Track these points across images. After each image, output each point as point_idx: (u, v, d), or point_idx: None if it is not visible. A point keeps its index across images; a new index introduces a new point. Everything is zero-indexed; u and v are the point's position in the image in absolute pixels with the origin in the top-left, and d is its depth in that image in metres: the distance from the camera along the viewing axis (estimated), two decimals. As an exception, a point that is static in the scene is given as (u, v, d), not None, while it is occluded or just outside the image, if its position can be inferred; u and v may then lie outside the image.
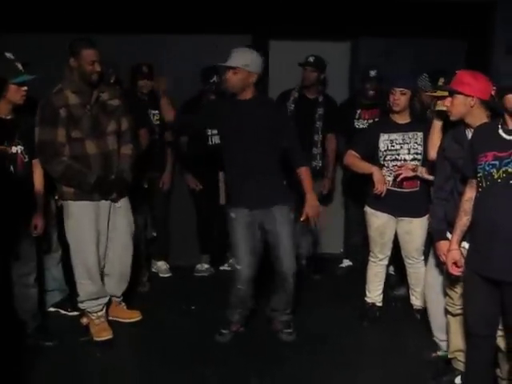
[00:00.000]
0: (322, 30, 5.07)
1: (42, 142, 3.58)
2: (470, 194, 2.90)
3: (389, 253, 4.18)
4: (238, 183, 3.73)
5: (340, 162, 5.11)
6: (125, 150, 3.86)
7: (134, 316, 4.14)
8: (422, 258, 4.00)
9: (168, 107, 3.95)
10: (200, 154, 4.77)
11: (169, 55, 5.04)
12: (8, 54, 3.43)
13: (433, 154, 3.46)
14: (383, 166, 3.97)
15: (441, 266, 3.33)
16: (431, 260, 3.48)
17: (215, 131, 4.42)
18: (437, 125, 3.40)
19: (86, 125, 3.64)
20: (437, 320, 3.55)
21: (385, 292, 4.33)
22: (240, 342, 3.90)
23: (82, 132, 3.63)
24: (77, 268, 3.81)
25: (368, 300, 4.28)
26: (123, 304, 4.18)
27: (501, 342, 3.00)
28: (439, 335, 3.57)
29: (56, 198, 4.04)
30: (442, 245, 3.12)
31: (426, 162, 3.72)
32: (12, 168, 3.48)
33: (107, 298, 3.97)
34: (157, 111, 4.78)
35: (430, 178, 3.62)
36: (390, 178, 3.95)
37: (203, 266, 5.18)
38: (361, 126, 4.81)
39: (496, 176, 2.71)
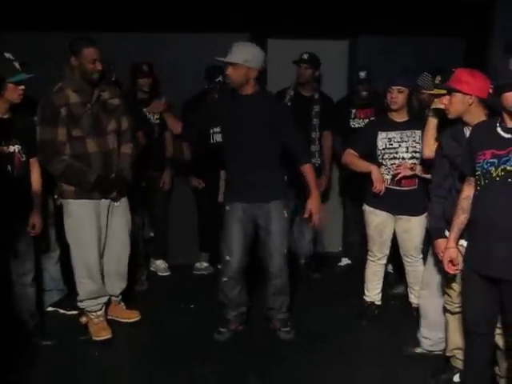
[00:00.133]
0: (320, 28, 5.08)
1: (43, 140, 3.59)
2: (467, 191, 2.90)
3: (387, 251, 4.18)
4: (236, 177, 3.74)
5: (336, 161, 5.13)
6: (125, 149, 3.86)
7: (133, 316, 4.14)
8: (421, 256, 4.00)
9: (174, 121, 3.97)
10: (202, 152, 4.77)
11: (168, 54, 5.04)
12: (7, 55, 3.43)
13: (427, 152, 3.47)
14: (381, 164, 3.97)
15: (439, 264, 3.34)
16: (430, 258, 3.48)
17: (217, 129, 4.41)
18: (431, 123, 3.41)
19: (87, 123, 3.64)
20: (426, 317, 3.57)
21: (383, 290, 4.33)
22: (238, 341, 3.90)
23: (82, 131, 3.63)
24: (77, 267, 3.81)
25: (367, 298, 4.28)
26: (122, 304, 4.18)
27: (499, 340, 3.00)
28: (425, 332, 3.59)
29: (55, 197, 4.04)
30: (440, 243, 3.12)
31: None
32: (9, 167, 3.48)
33: (107, 298, 3.97)
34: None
35: (428, 176, 3.63)
36: (389, 177, 3.95)
37: (202, 265, 5.18)
38: (356, 126, 4.83)
39: (494, 174, 2.71)
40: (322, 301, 4.54)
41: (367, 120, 4.75)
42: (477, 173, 2.79)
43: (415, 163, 3.87)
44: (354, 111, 4.86)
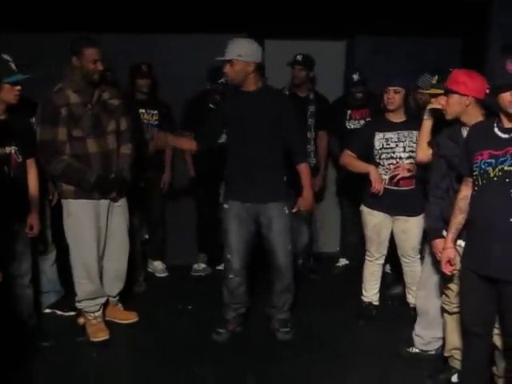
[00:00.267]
0: (317, 28, 5.07)
1: (43, 140, 3.59)
2: (465, 192, 2.90)
3: (385, 252, 4.18)
4: (236, 176, 3.73)
5: (333, 161, 5.14)
6: (124, 149, 3.87)
7: (131, 317, 4.14)
8: (419, 256, 4.00)
9: (185, 142, 4.01)
10: (204, 152, 4.75)
11: (167, 54, 5.03)
12: (4, 56, 3.42)
13: (420, 156, 3.48)
14: (379, 164, 3.97)
15: (436, 264, 3.34)
16: (427, 258, 3.49)
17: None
18: (426, 125, 3.41)
19: (87, 124, 3.65)
20: (421, 316, 3.57)
21: (381, 291, 4.33)
22: (237, 341, 3.90)
23: (82, 131, 3.64)
24: (75, 267, 3.81)
25: (364, 299, 4.28)
26: (120, 305, 4.18)
27: (497, 340, 3.00)
28: (418, 330, 3.60)
29: (50, 197, 4.04)
30: (438, 243, 3.13)
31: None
32: (6, 168, 3.47)
33: (105, 299, 3.97)
34: (156, 111, 4.80)
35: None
36: (386, 177, 3.96)
37: (200, 266, 5.17)
38: (352, 127, 4.84)
39: (492, 174, 2.71)
40: (320, 301, 4.54)
41: (363, 121, 4.76)
42: (474, 173, 2.79)
43: (412, 163, 3.87)
44: (349, 112, 4.86)
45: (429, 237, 3.30)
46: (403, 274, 4.17)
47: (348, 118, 4.87)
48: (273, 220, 3.71)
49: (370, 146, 3.98)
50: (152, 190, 4.90)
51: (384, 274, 4.38)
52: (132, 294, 4.48)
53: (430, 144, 3.39)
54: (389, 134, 3.94)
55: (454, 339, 3.26)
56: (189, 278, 5.09)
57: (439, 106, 3.22)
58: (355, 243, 4.99)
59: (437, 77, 3.44)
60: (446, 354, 3.38)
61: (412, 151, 3.88)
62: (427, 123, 3.41)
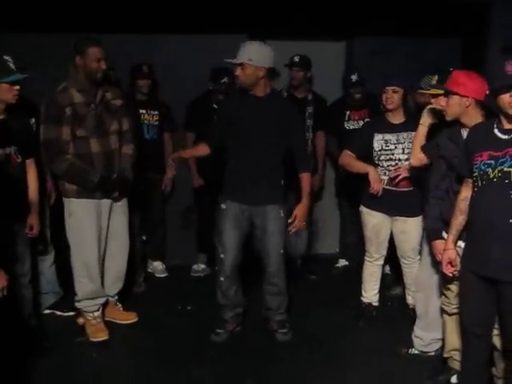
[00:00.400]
0: (317, 29, 5.08)
1: (47, 139, 3.60)
2: (465, 193, 2.90)
3: (384, 252, 4.18)
4: (235, 177, 3.73)
5: (331, 161, 5.14)
6: (126, 149, 3.88)
7: (130, 318, 4.14)
8: (418, 257, 3.99)
9: (196, 150, 3.99)
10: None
11: (167, 55, 5.03)
12: (6, 57, 3.42)
13: (413, 162, 3.48)
14: (378, 165, 3.97)
15: (434, 265, 3.34)
16: (424, 259, 3.49)
17: None
18: (421, 130, 3.41)
19: (91, 124, 3.66)
20: (420, 317, 3.58)
21: (381, 292, 4.33)
22: (235, 342, 3.90)
23: (86, 131, 3.65)
24: (76, 266, 3.81)
25: (364, 300, 4.28)
26: (119, 305, 4.18)
27: (497, 341, 3.00)
28: (417, 332, 3.61)
29: (48, 200, 4.04)
30: (438, 244, 3.12)
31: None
32: (5, 169, 3.46)
33: (104, 299, 3.97)
34: (156, 112, 4.80)
35: None
36: (385, 178, 3.96)
37: (200, 266, 5.17)
38: (351, 127, 4.84)
39: (492, 175, 2.71)
40: (320, 302, 4.54)
41: (362, 122, 4.76)
42: (474, 174, 2.79)
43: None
44: (348, 113, 4.87)
45: (428, 238, 3.30)
46: (403, 275, 4.17)
47: (347, 118, 4.87)
48: (268, 222, 3.71)
49: (369, 146, 3.99)
50: (153, 190, 4.89)
51: (384, 275, 4.39)
52: (131, 294, 4.49)
53: (422, 149, 3.39)
54: (388, 136, 3.94)
55: (454, 340, 3.25)
56: (188, 278, 5.09)
57: (439, 107, 3.22)
58: (354, 244, 4.99)
59: (436, 77, 3.44)
60: (445, 355, 3.38)
61: (411, 153, 3.88)
62: (422, 128, 3.41)
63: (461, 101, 2.99)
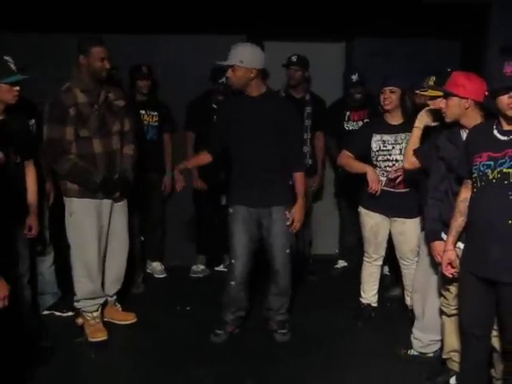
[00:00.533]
0: (317, 30, 5.08)
1: (51, 139, 3.60)
2: (465, 194, 2.90)
3: (383, 253, 4.18)
4: (239, 180, 3.74)
5: (330, 161, 5.14)
6: (127, 150, 3.89)
7: (129, 318, 4.14)
8: (417, 258, 3.99)
9: (201, 159, 3.90)
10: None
11: (167, 55, 5.04)
12: (6, 58, 3.42)
13: (406, 165, 3.48)
14: (376, 166, 3.98)
15: (431, 266, 3.34)
16: (422, 260, 3.49)
17: None
18: (415, 133, 3.41)
19: (94, 124, 3.67)
20: (418, 319, 3.58)
21: (380, 293, 4.33)
22: (235, 343, 3.90)
23: (89, 131, 3.65)
24: (76, 266, 3.81)
25: (363, 300, 4.28)
26: (118, 305, 4.18)
27: (495, 343, 3.00)
28: (416, 333, 3.60)
29: (47, 201, 4.04)
30: (437, 245, 3.12)
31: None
32: (4, 169, 3.46)
33: (103, 299, 3.97)
34: (156, 112, 4.80)
35: None
36: (383, 178, 3.96)
37: (199, 267, 5.17)
38: (350, 128, 4.85)
39: (491, 176, 2.71)
40: (319, 303, 4.54)
41: (361, 122, 4.77)
42: (473, 175, 2.79)
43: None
44: (347, 113, 4.87)
45: (427, 239, 3.30)
46: (402, 276, 4.17)
47: (346, 119, 4.88)
48: (274, 223, 3.71)
49: (367, 147, 3.99)
50: (152, 191, 4.89)
51: (383, 276, 4.39)
52: (130, 294, 4.49)
53: (415, 152, 3.39)
54: (386, 137, 3.94)
55: (453, 341, 3.25)
56: (187, 279, 5.09)
57: (438, 107, 3.22)
58: (353, 244, 4.99)
59: (434, 78, 3.43)
60: (444, 356, 3.38)
61: None
62: (416, 131, 3.41)
63: (460, 102, 2.99)
